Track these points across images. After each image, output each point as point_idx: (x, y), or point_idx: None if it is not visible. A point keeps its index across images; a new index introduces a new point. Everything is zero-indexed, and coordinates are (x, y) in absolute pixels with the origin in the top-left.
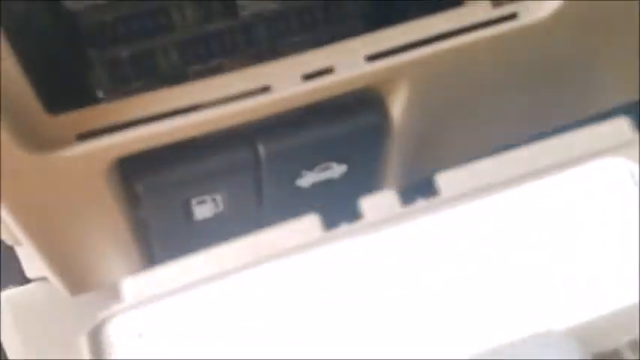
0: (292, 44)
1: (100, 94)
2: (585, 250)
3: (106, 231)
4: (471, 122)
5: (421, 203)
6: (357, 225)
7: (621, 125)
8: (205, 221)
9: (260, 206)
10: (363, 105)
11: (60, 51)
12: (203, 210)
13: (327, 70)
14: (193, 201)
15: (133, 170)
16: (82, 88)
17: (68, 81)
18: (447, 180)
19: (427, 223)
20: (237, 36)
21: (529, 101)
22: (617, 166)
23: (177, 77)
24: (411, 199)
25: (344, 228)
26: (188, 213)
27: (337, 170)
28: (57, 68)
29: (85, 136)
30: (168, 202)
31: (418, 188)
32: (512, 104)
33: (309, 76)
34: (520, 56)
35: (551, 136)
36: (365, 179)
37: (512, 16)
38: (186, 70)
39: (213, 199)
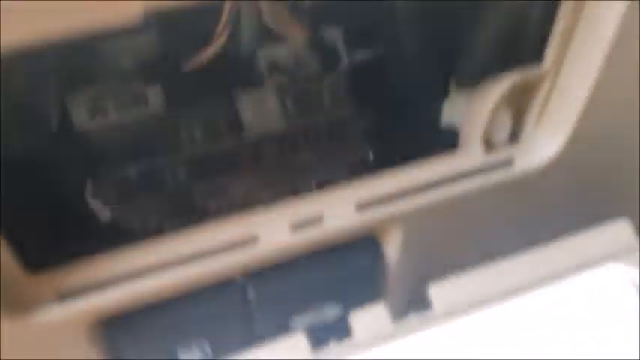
0: (297, 162)
1: (107, 212)
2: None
3: None
4: (468, 251)
5: (413, 318)
6: (346, 343)
7: (621, 229)
8: None
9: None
10: (356, 247)
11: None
12: (189, 356)
13: (316, 220)
14: (179, 349)
15: (115, 322)
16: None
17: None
18: (439, 292)
19: (420, 340)
20: (243, 154)
21: (526, 233)
22: (617, 272)
23: (183, 196)
24: (402, 313)
25: (333, 347)
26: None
27: (331, 310)
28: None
29: (66, 295)
30: (152, 352)
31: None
32: (509, 236)
33: (297, 226)
34: (516, 199)
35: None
36: None
37: (507, 163)
38: (191, 188)
39: (200, 346)
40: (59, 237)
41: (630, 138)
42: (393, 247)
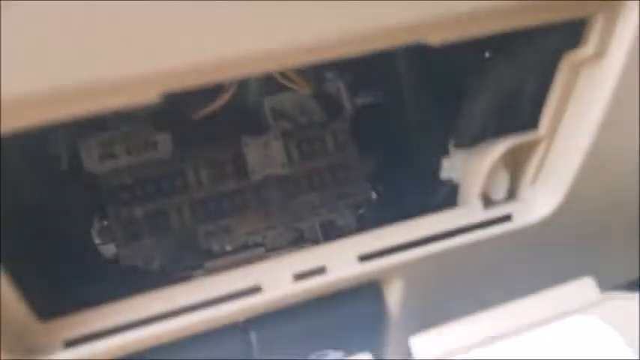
0: (301, 204)
1: (113, 249)
2: None
3: None
4: (467, 301)
5: None
6: None
7: (587, 285)
8: None
9: None
10: (358, 295)
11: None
12: None
13: (319, 270)
14: None
15: None
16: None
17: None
18: (420, 343)
19: None
20: (248, 196)
21: (528, 283)
22: (586, 324)
23: (187, 235)
24: None
25: None
26: None
27: (333, 356)
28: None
29: (72, 343)
30: None
31: None
32: (510, 286)
33: (300, 276)
34: (515, 252)
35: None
36: None
37: (506, 218)
38: (196, 228)
39: None
40: (67, 285)
41: (626, 197)
42: (394, 296)
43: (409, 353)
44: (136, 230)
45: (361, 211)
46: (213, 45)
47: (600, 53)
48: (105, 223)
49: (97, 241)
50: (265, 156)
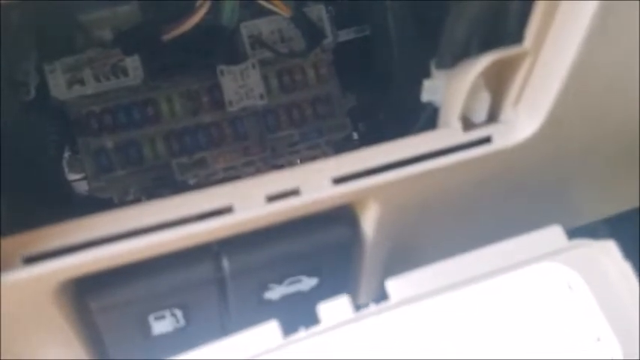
0: (280, 139)
1: (84, 185)
2: (524, 349)
3: (59, 349)
4: (444, 232)
5: (372, 308)
6: (314, 330)
7: (555, 233)
8: (164, 336)
9: (225, 319)
10: (333, 219)
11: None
12: (162, 325)
13: (293, 192)
14: (151, 316)
15: (84, 287)
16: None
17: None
18: (396, 286)
19: (379, 327)
20: (225, 129)
21: (503, 212)
22: (552, 270)
23: (160, 168)
24: (364, 305)
25: (302, 333)
26: (145, 329)
27: (308, 283)
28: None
29: (32, 259)
30: (123, 320)
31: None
32: (486, 215)
33: (273, 198)
34: (494, 177)
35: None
36: (337, 290)
37: (486, 140)
38: (170, 161)
39: (173, 315)
40: (30, 204)
41: (608, 119)
42: (369, 221)
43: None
44: (107, 162)
45: (343, 149)
46: None
47: None
48: (75, 155)
49: (67, 172)
50: (242, 86)
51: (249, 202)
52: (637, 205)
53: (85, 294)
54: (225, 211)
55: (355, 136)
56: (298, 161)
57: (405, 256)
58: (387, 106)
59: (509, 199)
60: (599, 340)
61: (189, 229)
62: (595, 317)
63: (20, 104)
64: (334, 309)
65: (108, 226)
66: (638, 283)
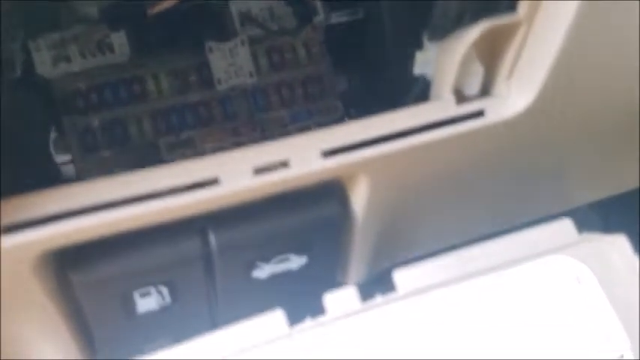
0: (270, 119)
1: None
2: (532, 342)
3: (40, 324)
4: (435, 213)
5: (379, 299)
6: (320, 320)
7: (566, 226)
8: (150, 314)
9: (212, 298)
10: (322, 195)
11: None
12: (147, 302)
13: (281, 164)
14: (135, 293)
15: (66, 260)
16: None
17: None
18: (403, 277)
19: (385, 318)
20: (213, 109)
21: (496, 194)
22: (561, 263)
23: (147, 148)
24: (370, 295)
25: (309, 323)
26: (129, 306)
27: (296, 262)
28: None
29: (12, 228)
30: (107, 295)
31: (381, 281)
32: (478, 196)
33: (261, 170)
34: (486, 152)
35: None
36: (326, 270)
37: (478, 114)
38: (157, 141)
39: (159, 291)
40: (11, 173)
41: (602, 94)
42: (359, 196)
43: (374, 265)
44: (93, 141)
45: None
46: None
47: None
48: (61, 135)
49: (54, 155)
50: (231, 64)
51: (236, 174)
52: (633, 187)
53: (66, 267)
54: (211, 182)
55: (346, 119)
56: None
57: (395, 235)
58: (379, 87)
59: (502, 176)
60: (606, 333)
61: (174, 201)
62: (603, 311)
63: (6, 82)
64: (341, 299)
65: (90, 196)
66: None
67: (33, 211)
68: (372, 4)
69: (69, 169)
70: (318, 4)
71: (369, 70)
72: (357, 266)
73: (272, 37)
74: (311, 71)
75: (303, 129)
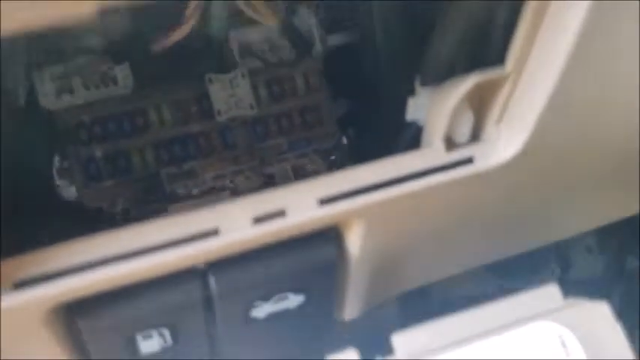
0: (269, 148)
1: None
2: None
3: None
4: (427, 251)
5: None
6: None
7: (551, 292)
8: (152, 355)
9: (212, 337)
10: (318, 238)
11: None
12: (149, 344)
13: (279, 213)
14: (138, 336)
15: (74, 308)
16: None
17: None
18: (401, 340)
19: None
20: (214, 139)
21: (487, 232)
22: (548, 329)
23: (150, 178)
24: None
25: None
26: (133, 348)
27: (294, 300)
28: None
29: (22, 284)
30: (111, 339)
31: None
32: (468, 236)
33: (259, 219)
34: (477, 196)
35: (493, 299)
36: (323, 308)
37: (468, 161)
38: (159, 171)
39: (161, 334)
40: (21, 225)
41: (590, 140)
42: (354, 240)
43: (370, 300)
44: (96, 171)
45: (332, 157)
46: None
47: None
48: (65, 163)
49: (57, 182)
50: (232, 96)
51: (235, 224)
52: (629, 215)
53: (74, 315)
54: (211, 233)
55: (344, 140)
56: (289, 167)
57: (389, 272)
58: (375, 114)
59: (493, 217)
60: None
61: (176, 253)
62: None
63: (9, 112)
64: None
65: (97, 251)
66: (628, 344)
67: (43, 267)
68: (368, 38)
69: (70, 191)
70: (316, 33)
71: (367, 95)
72: (353, 302)
73: (271, 68)
74: (309, 101)
75: (302, 156)
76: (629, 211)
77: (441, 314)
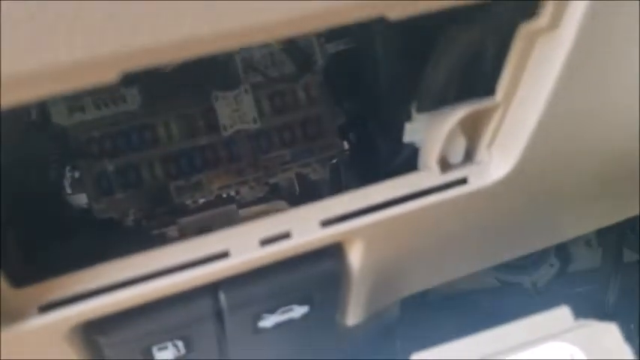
0: (272, 159)
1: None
2: None
3: None
4: (426, 262)
5: None
6: None
7: (563, 313)
8: None
9: (223, 346)
10: (322, 255)
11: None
12: (164, 354)
13: (284, 235)
14: (154, 348)
15: (94, 326)
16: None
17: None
18: None
19: None
20: (219, 152)
21: (484, 243)
22: (559, 349)
23: (159, 190)
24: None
25: None
26: (149, 358)
27: (299, 311)
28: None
29: (46, 308)
30: (129, 351)
31: None
32: (466, 248)
33: (266, 241)
34: (471, 215)
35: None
36: (327, 316)
37: (462, 181)
38: (167, 184)
39: (175, 345)
40: (41, 249)
41: (579, 161)
42: (355, 256)
43: (373, 307)
44: (108, 185)
45: (333, 161)
46: (167, 28)
47: (553, 26)
48: (76, 176)
49: (69, 194)
50: (236, 111)
51: (244, 246)
52: (618, 219)
53: (94, 331)
54: (222, 255)
55: (346, 146)
56: (292, 177)
57: (389, 282)
58: (375, 123)
59: (487, 233)
60: None
61: (190, 274)
62: None
63: (21, 126)
64: None
65: (116, 275)
66: None
67: (65, 291)
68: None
69: (81, 198)
70: (316, 50)
71: (367, 103)
72: (355, 309)
73: (273, 82)
74: (310, 113)
75: (304, 166)
76: (622, 215)
77: (440, 308)
